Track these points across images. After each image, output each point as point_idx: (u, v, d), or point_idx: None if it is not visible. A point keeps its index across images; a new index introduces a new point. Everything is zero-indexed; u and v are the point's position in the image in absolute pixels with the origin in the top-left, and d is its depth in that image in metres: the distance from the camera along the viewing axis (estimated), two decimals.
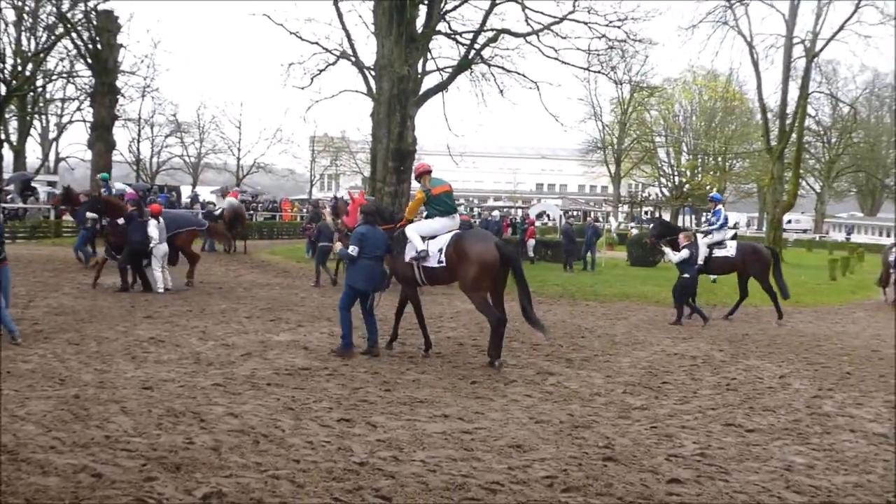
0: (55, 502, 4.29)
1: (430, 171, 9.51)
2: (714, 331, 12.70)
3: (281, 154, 60.06)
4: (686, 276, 13.16)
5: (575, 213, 53.40)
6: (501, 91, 25.00)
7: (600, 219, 46.98)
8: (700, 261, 13.94)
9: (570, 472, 5.26)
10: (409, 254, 9.14)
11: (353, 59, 24.31)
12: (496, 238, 9.41)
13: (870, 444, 6.44)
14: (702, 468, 5.55)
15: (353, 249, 8.72)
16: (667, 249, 13.97)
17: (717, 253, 14.36)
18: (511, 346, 10.19)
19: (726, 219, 15.34)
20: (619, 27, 23.71)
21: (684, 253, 13.19)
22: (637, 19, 23.87)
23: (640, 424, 6.69)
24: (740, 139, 59.89)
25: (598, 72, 26.24)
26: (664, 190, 62.26)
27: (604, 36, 23.97)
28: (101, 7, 27.49)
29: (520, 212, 48.37)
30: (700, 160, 62.14)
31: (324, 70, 24.79)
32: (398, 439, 5.84)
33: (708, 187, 60.07)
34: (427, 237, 9.10)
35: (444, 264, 8.92)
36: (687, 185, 59.00)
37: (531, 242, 26.88)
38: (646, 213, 56.42)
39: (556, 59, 23.87)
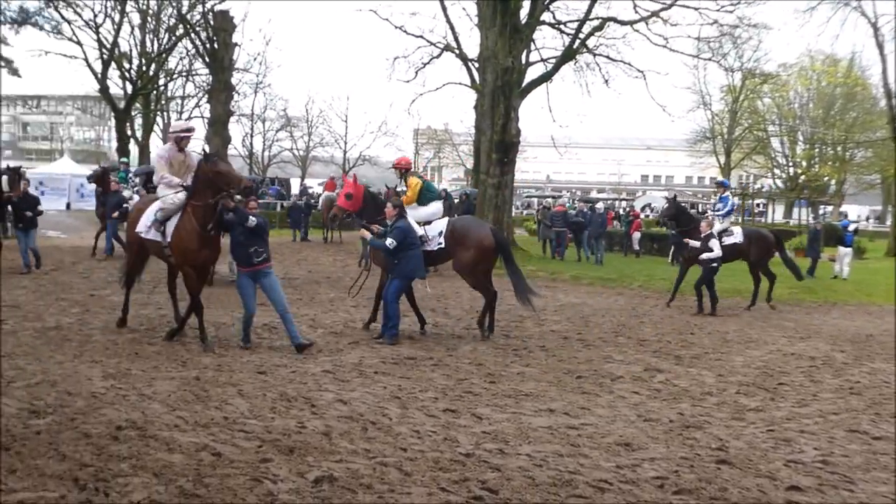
0: (179, 477, 4.52)
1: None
2: (834, 330, 12.03)
3: (386, 147, 61.05)
4: (714, 265, 12.59)
5: (682, 204, 51.73)
6: (606, 81, 24.59)
7: (708, 211, 45.33)
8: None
9: (682, 474, 5.10)
10: None
11: (456, 51, 24.46)
12: (491, 225, 10.68)
13: None
14: (824, 476, 5.26)
15: (390, 242, 8.92)
16: (693, 243, 13.10)
17: (726, 240, 13.55)
18: (617, 341, 10.00)
19: (733, 205, 15.09)
20: (731, 12, 22.83)
21: (717, 251, 12.52)
22: (751, 3, 22.88)
23: (756, 427, 6.42)
24: (862, 127, 56.20)
25: (709, 59, 25.59)
26: (777, 182, 59.42)
27: (715, 21, 23.14)
28: (217, 8, 28.70)
29: (624, 203, 47.35)
30: (817, 150, 58.85)
31: (428, 63, 25.10)
32: (504, 432, 5.83)
33: (826, 178, 56.94)
34: (423, 223, 9.79)
35: (442, 246, 9.69)
36: (803, 177, 56.07)
37: (636, 235, 26.28)
38: (757, 205, 54.04)
39: (664, 46, 23.22)
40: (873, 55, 57.77)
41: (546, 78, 23.78)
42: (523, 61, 23.41)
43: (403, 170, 10.56)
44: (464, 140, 55.76)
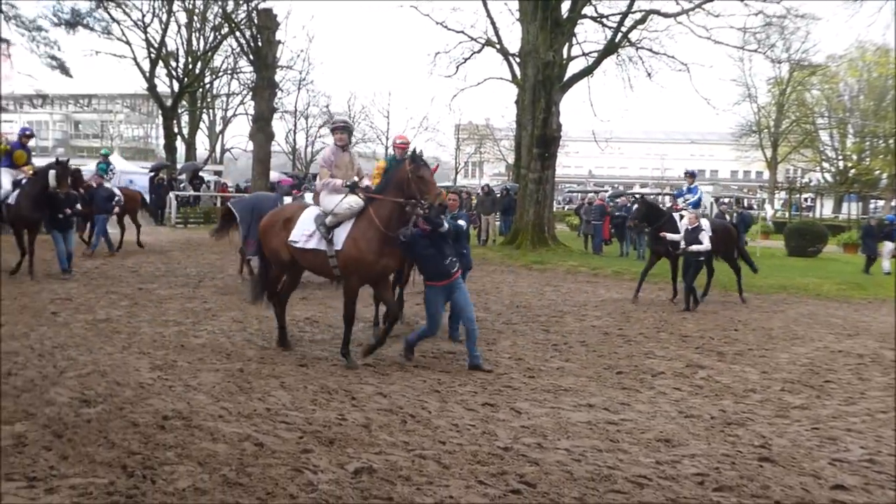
0: (223, 466, 4.63)
1: None
2: (884, 327, 11.73)
3: (427, 142, 61.14)
4: (701, 258, 12.19)
5: (727, 199, 50.86)
6: (649, 74, 24.31)
7: (754, 206, 44.49)
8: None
9: (723, 471, 5.04)
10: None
11: (497, 46, 24.42)
12: None
13: None
14: (871, 475, 5.14)
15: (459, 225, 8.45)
16: (671, 236, 12.57)
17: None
18: (659, 336, 9.91)
19: (701, 195, 14.85)
20: (778, 2, 22.33)
21: (706, 245, 12.10)
22: None
23: (800, 425, 6.31)
24: None
25: (755, 50, 24.94)
26: (826, 175, 58.01)
27: (761, 12, 22.68)
28: (261, 6, 29.09)
29: (667, 199, 46.71)
30: (868, 143, 57.26)
31: (469, 58, 25.10)
32: (542, 426, 5.83)
33: (877, 172, 55.37)
34: None
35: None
36: (853, 171, 54.63)
37: None
38: (805, 200, 52.80)
39: (708, 38, 22.86)
40: None
41: (587, 72, 23.59)
42: (564, 55, 23.24)
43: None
44: (505, 135, 55.65)
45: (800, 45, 47.56)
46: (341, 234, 7.51)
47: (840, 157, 57.65)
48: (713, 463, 5.20)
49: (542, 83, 21.81)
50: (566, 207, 44.00)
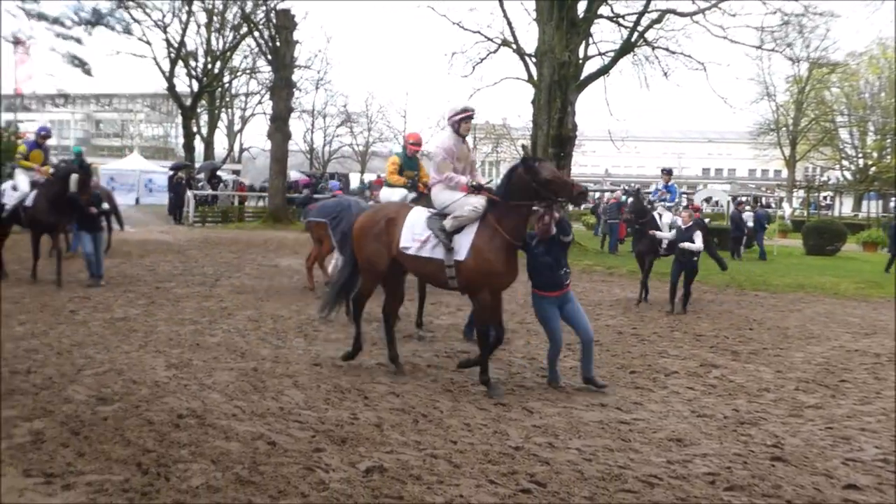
0: (235, 465, 4.69)
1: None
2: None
3: None
4: (695, 258, 11.78)
5: (745, 198, 50.49)
6: (666, 73, 24.18)
7: (772, 204, 44.13)
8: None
9: (735, 470, 5.04)
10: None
11: (514, 46, 24.37)
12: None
13: None
14: (884, 475, 5.11)
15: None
16: (661, 234, 12.34)
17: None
18: (673, 336, 9.88)
19: (676, 194, 14.86)
20: (796, 0, 22.11)
21: (699, 244, 11.63)
22: None
23: (814, 424, 6.27)
24: None
25: (772, 49, 24.69)
26: (846, 174, 57.41)
27: (778, 10, 22.50)
28: (279, 6, 29.27)
29: (684, 198, 46.43)
30: (890, 140, 56.58)
31: (485, 58, 25.06)
32: (554, 426, 5.85)
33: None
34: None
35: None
36: (873, 168, 54.01)
37: None
38: (824, 198, 52.27)
39: (724, 38, 22.68)
40: None
41: (604, 71, 23.51)
42: (580, 55, 23.18)
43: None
44: (521, 135, 55.55)
45: (819, 43, 47.09)
46: (463, 242, 6.68)
47: (860, 155, 57.03)
48: (725, 462, 5.19)
49: (558, 83, 21.77)
50: (583, 206, 43.83)
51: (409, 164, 10.19)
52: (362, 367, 7.44)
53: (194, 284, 12.53)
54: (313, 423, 5.59)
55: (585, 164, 63.64)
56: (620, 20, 23.76)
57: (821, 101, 56.80)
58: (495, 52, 24.94)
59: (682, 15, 22.81)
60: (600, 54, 24.08)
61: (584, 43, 23.08)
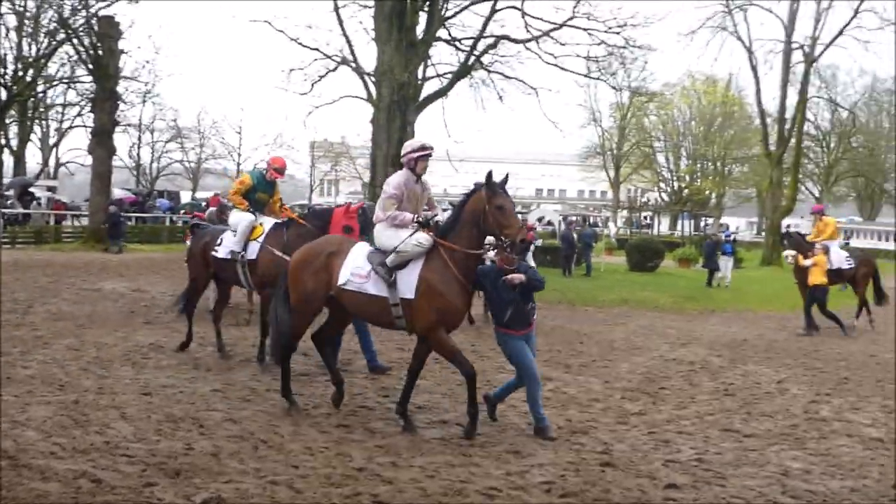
0: None
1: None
2: (712, 336, 12.74)
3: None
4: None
5: (574, 217, 53.46)
6: (501, 97, 25.14)
7: (598, 223, 47.01)
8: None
9: (568, 478, 5.29)
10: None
11: (353, 65, 24.41)
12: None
13: (866, 448, 6.46)
14: (699, 473, 5.58)
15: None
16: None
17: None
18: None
19: None
20: (618, 33, 23.85)
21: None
22: (636, 25, 24.00)
23: (638, 430, 6.72)
24: (739, 144, 59.91)
25: (598, 78, 26.34)
26: (663, 195, 62.30)
27: (603, 42, 24.10)
28: (102, 13, 27.54)
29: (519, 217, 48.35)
30: (699, 165, 62.20)
31: (324, 76, 24.88)
32: (397, 445, 5.87)
33: (707, 192, 60.11)
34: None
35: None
36: (686, 190, 59.05)
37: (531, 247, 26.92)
38: (644, 217, 56.38)
39: (555, 65, 23.99)
40: (748, 77, 61.53)
41: (442, 93, 24.12)
42: (419, 76, 23.64)
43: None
44: (360, 153, 55.60)
45: (638, 74, 50.94)
46: (409, 278, 6.20)
47: (675, 178, 62.18)
48: (559, 471, 5.44)
49: (398, 103, 22.07)
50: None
51: (265, 186, 9.13)
52: (197, 395, 7.10)
53: (3, 311, 11.43)
54: (143, 457, 5.25)
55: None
56: (458, 44, 24.50)
57: (641, 127, 61.51)
58: (334, 70, 24.85)
59: (515, 41, 23.89)
60: (438, 76, 24.67)
61: (422, 64, 23.56)
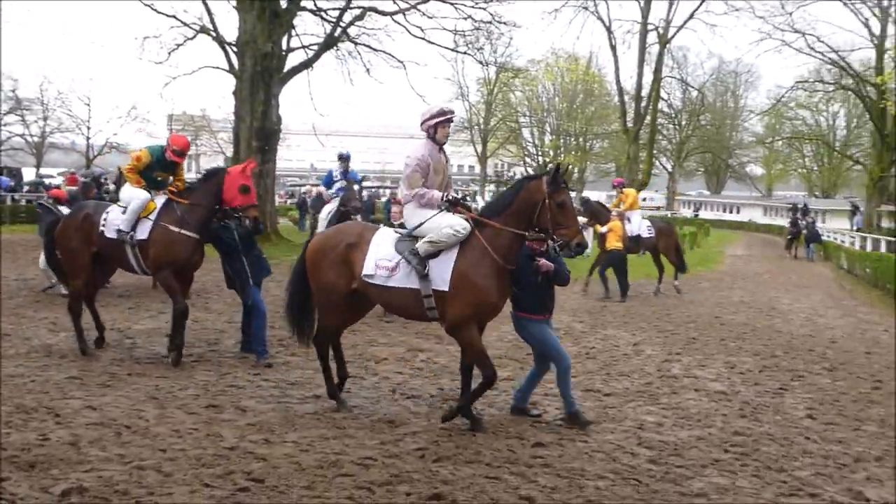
0: None
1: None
2: (576, 304, 13.34)
3: (137, 133, 56.41)
4: None
5: None
6: (368, 70, 24.97)
7: (467, 198, 47.74)
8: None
9: (441, 443, 5.43)
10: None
11: (213, 33, 23.39)
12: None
13: (711, 401, 7.04)
14: (563, 431, 5.89)
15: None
16: None
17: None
18: (381, 325, 10.26)
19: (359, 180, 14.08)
20: (484, 8, 24.17)
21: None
22: (502, 1, 24.46)
23: (508, 395, 6.96)
24: (600, 120, 62.48)
25: (465, 52, 26.65)
26: (529, 169, 64.12)
27: (469, 17, 24.35)
28: None
29: (388, 192, 48.41)
30: (563, 140, 64.38)
31: (182, 45, 23.74)
32: (269, 422, 5.80)
33: (570, 166, 62.37)
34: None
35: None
36: (550, 165, 61.01)
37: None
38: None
39: (422, 38, 24.04)
40: (608, 56, 64.24)
41: (307, 65, 23.62)
42: (283, 47, 23.02)
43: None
44: (222, 127, 53.60)
45: (504, 50, 51.90)
46: (443, 268, 5.71)
47: (540, 153, 64.08)
48: (433, 437, 5.57)
49: (261, 74, 21.44)
50: (288, 202, 43.66)
51: (165, 165, 8.14)
52: (50, 383, 6.69)
53: None
54: None
55: (290, 158, 63.31)
56: (323, 14, 24.04)
57: (507, 102, 62.75)
58: (193, 38, 23.75)
59: (382, 13, 23.73)
60: (304, 47, 24.12)
61: (287, 35, 22.96)
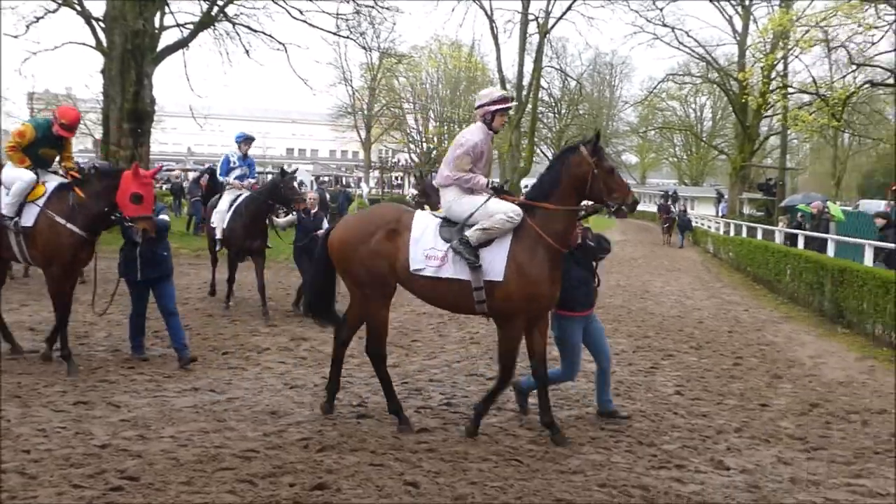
0: None
1: None
2: None
3: None
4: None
5: (326, 178, 53.39)
6: (248, 51, 24.20)
7: (351, 184, 47.45)
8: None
9: (325, 433, 5.39)
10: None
11: (77, 7, 21.96)
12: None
13: (589, 381, 7.26)
14: (447, 416, 5.98)
15: None
16: (280, 222, 11.20)
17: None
18: (261, 313, 10.03)
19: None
20: None
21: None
22: None
23: (393, 382, 6.97)
24: None
25: (347, 36, 26.31)
26: (413, 156, 64.28)
27: (352, 0, 24.05)
28: None
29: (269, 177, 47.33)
30: (446, 128, 64.86)
31: (42, 18, 22.13)
32: (145, 417, 5.58)
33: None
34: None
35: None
36: (435, 152, 61.42)
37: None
38: (395, 178, 57.86)
39: (303, 21, 23.53)
40: (490, 44, 65.11)
41: (183, 44, 22.61)
42: (157, 25, 21.94)
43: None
44: (91, 107, 50.51)
45: (388, 35, 51.63)
46: (495, 257, 5.33)
47: (424, 140, 64.31)
48: (317, 427, 5.52)
49: (132, 53, 20.35)
50: (164, 187, 41.81)
51: (51, 142, 7.31)
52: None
53: None
54: None
55: (166, 141, 60.47)
56: None
57: (391, 88, 62.49)
58: (55, 11, 22.19)
59: None
60: (179, 26, 23.06)
61: (159, 12, 21.90)
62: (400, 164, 60.10)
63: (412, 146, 65.17)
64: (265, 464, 4.73)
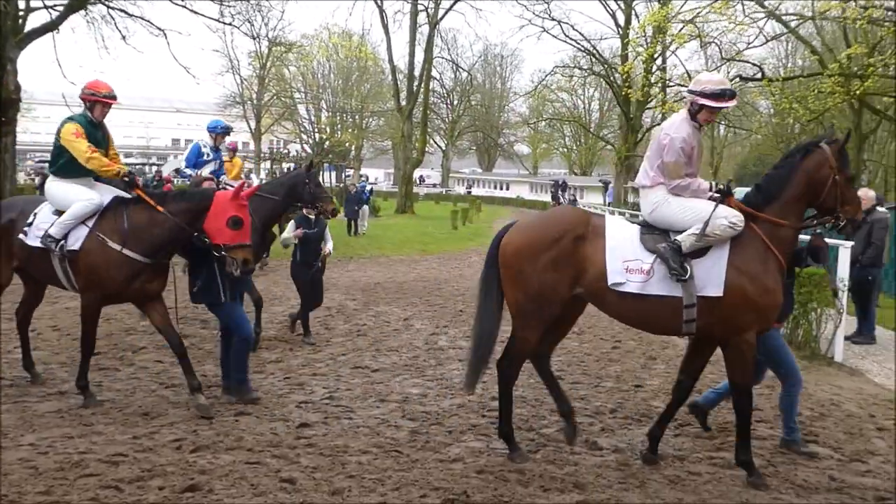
0: None
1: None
2: (349, 281, 13.42)
3: None
4: None
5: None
6: (124, 37, 23.06)
7: (242, 175, 46.13)
8: None
9: (200, 432, 5.22)
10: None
11: None
12: None
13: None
14: (329, 410, 5.91)
15: None
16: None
17: None
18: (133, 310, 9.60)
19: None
20: None
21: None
22: None
23: (275, 377, 6.87)
24: (375, 98, 63.06)
25: (230, 24, 25.53)
26: (305, 146, 63.25)
27: None
28: None
29: (153, 168, 45.47)
30: (339, 118, 64.17)
31: None
32: (3, 424, 5.22)
33: (347, 144, 62.45)
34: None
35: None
36: (328, 142, 60.64)
37: None
38: (287, 169, 56.73)
39: (184, 7, 22.63)
40: (381, 34, 64.66)
41: (52, 27, 21.28)
42: (21, 6, 20.57)
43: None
44: None
45: (277, 24, 50.58)
46: (711, 269, 4.60)
47: (316, 130, 63.38)
48: (191, 427, 5.34)
49: None
50: (37, 179, 39.40)
51: (95, 139, 6.04)
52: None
53: None
54: None
55: (38, 130, 56.92)
56: None
57: (281, 77, 61.16)
58: None
59: None
60: (47, 8, 21.69)
61: None
62: (291, 154, 58.93)
63: (304, 136, 64.10)
64: (133, 468, 4.53)
